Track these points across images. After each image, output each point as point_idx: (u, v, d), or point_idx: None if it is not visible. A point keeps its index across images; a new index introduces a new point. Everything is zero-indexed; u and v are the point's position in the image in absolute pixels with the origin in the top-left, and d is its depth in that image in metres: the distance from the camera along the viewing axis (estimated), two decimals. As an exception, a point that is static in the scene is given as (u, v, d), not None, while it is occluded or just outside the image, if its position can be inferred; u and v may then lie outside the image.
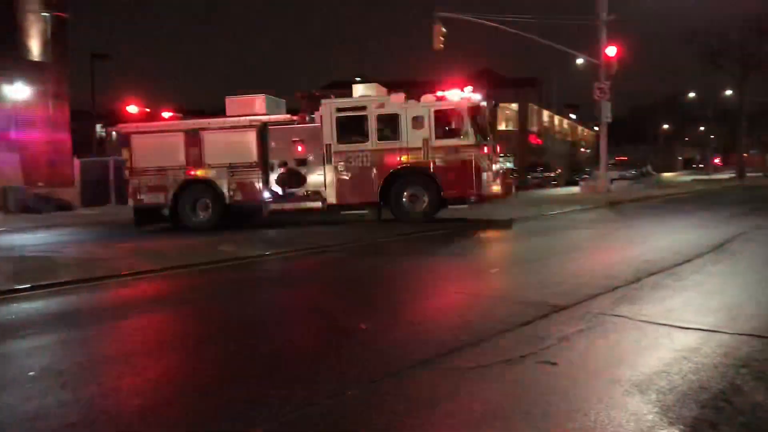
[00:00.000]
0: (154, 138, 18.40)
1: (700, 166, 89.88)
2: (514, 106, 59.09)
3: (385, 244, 14.43)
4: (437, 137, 16.96)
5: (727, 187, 40.14)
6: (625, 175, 60.88)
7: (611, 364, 5.36)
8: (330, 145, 17.43)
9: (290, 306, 8.31)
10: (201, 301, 8.88)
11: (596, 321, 6.62)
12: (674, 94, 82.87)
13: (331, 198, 17.62)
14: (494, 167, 17.55)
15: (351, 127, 17.40)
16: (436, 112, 17.05)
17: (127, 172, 18.89)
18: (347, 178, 17.42)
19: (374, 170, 17.21)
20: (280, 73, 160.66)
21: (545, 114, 65.47)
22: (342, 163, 17.40)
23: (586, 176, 47.40)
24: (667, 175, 74.12)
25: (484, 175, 16.94)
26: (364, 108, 17.37)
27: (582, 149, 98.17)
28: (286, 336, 6.54)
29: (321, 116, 17.67)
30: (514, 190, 19.24)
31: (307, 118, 18.15)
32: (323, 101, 17.82)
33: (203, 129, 18.22)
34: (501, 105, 57.60)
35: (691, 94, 78.12)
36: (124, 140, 18.87)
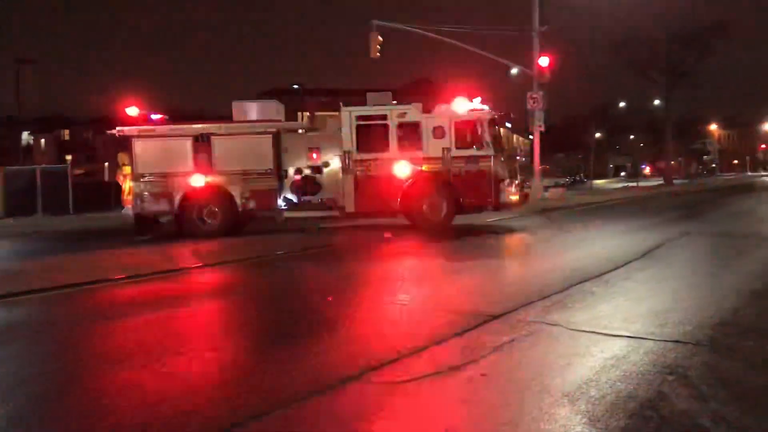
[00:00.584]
0: (160, 142, 17.51)
1: (626, 173, 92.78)
2: (451, 114, 59.54)
3: (320, 252, 14.24)
4: (457, 147, 17.21)
5: (655, 194, 41.48)
6: (559, 182, 62.40)
7: (542, 373, 5.33)
8: (350, 152, 17.26)
9: (211, 323, 8.04)
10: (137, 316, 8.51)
11: (528, 329, 6.61)
12: (605, 104, 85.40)
13: (350, 206, 17.40)
14: (511, 177, 17.99)
15: (371, 136, 17.28)
16: (457, 122, 17.29)
17: (122, 178, 17.92)
18: (367, 186, 17.20)
19: (394, 179, 17.17)
20: (213, 79, 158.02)
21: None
22: (362, 171, 17.24)
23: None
24: (598, 182, 76.17)
25: (502, 185, 17.36)
26: (385, 117, 17.31)
27: (517, 157, 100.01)
28: (208, 354, 6.29)
29: (341, 123, 17.47)
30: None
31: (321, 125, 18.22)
32: (343, 108, 17.55)
33: (214, 134, 17.56)
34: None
35: (622, 104, 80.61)
36: (124, 143, 17.82)
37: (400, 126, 17.23)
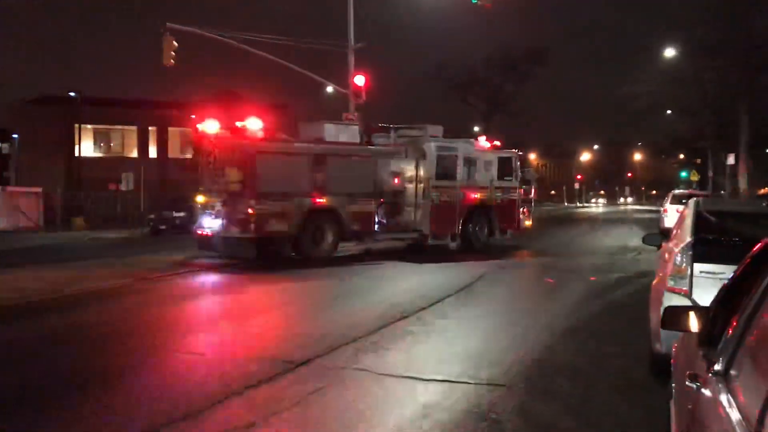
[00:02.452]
0: (283, 159, 17.74)
1: None
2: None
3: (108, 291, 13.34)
4: (498, 179, 21.40)
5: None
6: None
7: (348, 427, 5.33)
8: (429, 180, 20.04)
9: None
10: None
11: (336, 377, 6.61)
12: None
13: (426, 229, 20.00)
14: (525, 205, 23.15)
15: (445, 166, 20.40)
16: (500, 158, 21.64)
17: (225, 195, 17.44)
18: (440, 211, 20.16)
19: (458, 205, 20.47)
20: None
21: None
22: (437, 198, 20.16)
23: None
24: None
25: (521, 211, 22.34)
26: (456, 150, 20.71)
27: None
28: None
29: (425, 152, 20.19)
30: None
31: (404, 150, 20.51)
32: (428, 140, 20.39)
33: (331, 154, 18.61)
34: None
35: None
36: (243, 158, 17.25)
37: (465, 159, 20.80)
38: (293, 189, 17.72)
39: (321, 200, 18.24)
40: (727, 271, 5.58)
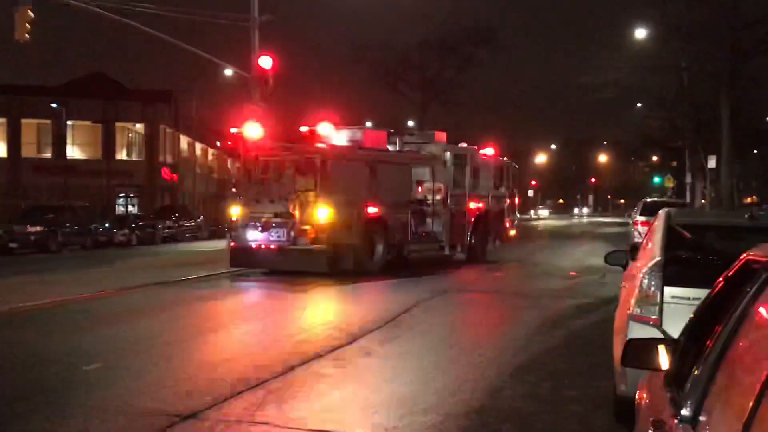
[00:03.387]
0: (351, 166, 20.41)
1: None
2: (140, 126, 58.20)
3: None
4: (494, 187, 25.18)
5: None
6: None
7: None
8: (447, 188, 22.84)
9: None
10: None
11: (231, 432, 6.54)
12: (352, 123, 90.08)
13: (445, 240, 22.82)
14: (510, 214, 27.09)
15: (458, 173, 23.54)
16: (495, 166, 25.46)
17: (295, 205, 19.53)
18: (456, 220, 23.04)
19: (467, 214, 23.55)
20: None
21: (183, 140, 65.42)
22: (453, 206, 22.93)
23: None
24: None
25: (508, 221, 26.45)
26: (465, 156, 23.97)
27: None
28: None
29: (445, 159, 23.09)
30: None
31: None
32: (444, 146, 23.59)
33: (381, 161, 21.23)
34: (119, 125, 57.12)
35: (369, 124, 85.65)
36: (318, 164, 19.60)
37: (472, 167, 23.93)
38: (356, 197, 20.00)
39: (375, 209, 20.50)
40: (703, 296, 5.74)
